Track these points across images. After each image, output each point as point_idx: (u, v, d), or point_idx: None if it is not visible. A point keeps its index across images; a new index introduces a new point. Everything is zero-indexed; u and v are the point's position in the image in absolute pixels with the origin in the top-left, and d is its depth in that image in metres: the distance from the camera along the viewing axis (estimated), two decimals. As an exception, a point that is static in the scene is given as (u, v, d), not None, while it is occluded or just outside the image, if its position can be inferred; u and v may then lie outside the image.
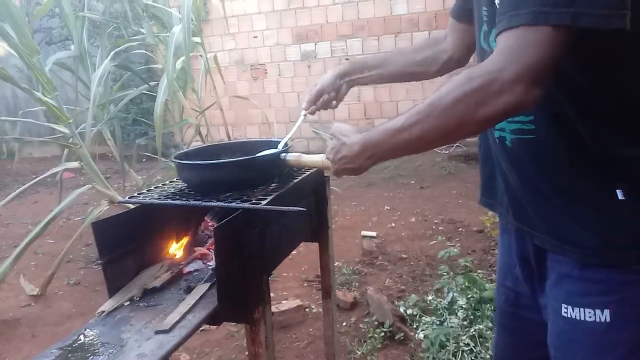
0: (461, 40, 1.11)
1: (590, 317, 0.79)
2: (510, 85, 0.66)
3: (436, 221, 3.52)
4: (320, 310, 2.37)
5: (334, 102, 1.27)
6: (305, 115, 1.30)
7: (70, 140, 2.83)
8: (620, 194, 0.76)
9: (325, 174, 1.49)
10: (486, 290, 2.23)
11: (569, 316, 0.81)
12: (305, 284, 2.75)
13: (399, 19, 5.52)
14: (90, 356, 0.85)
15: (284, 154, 1.21)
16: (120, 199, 2.89)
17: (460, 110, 0.71)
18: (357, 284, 2.66)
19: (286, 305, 2.37)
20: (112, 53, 3.05)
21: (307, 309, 2.42)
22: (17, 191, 2.60)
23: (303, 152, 1.24)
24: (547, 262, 0.86)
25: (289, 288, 2.71)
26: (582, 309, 0.80)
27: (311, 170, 1.39)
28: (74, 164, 2.86)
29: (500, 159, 0.89)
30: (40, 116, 4.78)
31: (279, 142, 1.30)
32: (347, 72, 1.26)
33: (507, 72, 0.66)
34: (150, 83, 3.58)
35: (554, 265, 0.84)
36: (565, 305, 0.82)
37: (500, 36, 0.69)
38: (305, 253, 2.92)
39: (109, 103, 3.59)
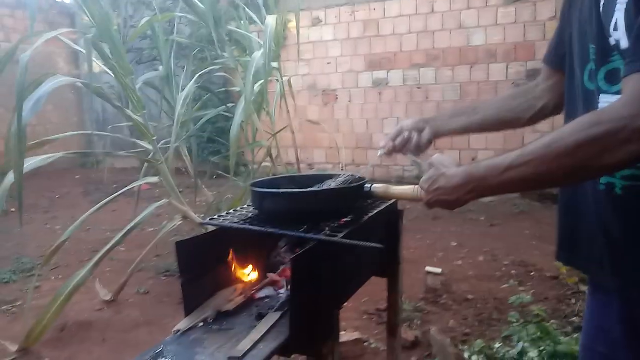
0: (558, 88, 1.05)
1: None
2: None
3: (506, 262, 3.35)
4: (380, 345, 2.31)
5: (416, 144, 1.20)
6: (381, 154, 1.26)
7: (151, 156, 2.99)
8: None
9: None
10: (561, 343, 2.07)
11: None
12: (365, 317, 2.69)
13: (475, 50, 5.43)
14: (165, 376, 0.87)
15: (368, 185, 1.20)
16: (194, 216, 3.01)
17: (582, 154, 0.68)
18: (419, 322, 2.56)
19: (345, 337, 2.32)
20: (197, 75, 3.22)
21: (365, 343, 2.36)
22: (103, 202, 2.77)
23: (372, 181, 1.24)
24: None
25: (348, 319, 2.65)
26: None
27: (386, 204, 1.36)
28: (154, 179, 3.01)
29: (600, 209, 0.82)
30: (126, 131, 5.12)
31: (350, 175, 1.29)
32: (432, 118, 1.22)
33: (639, 120, 0.63)
34: (227, 105, 3.73)
35: None
36: None
37: (631, 78, 0.65)
38: (366, 284, 2.87)
39: (190, 122, 3.78)
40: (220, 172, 4.78)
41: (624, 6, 0.69)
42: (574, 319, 2.51)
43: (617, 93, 0.74)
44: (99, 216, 4.80)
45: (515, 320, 2.42)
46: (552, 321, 2.45)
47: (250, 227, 1.09)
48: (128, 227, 2.65)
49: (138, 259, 3.04)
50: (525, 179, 0.75)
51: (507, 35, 5.25)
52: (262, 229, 1.08)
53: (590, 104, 0.82)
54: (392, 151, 1.24)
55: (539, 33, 5.07)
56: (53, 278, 3.37)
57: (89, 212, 2.63)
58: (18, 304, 2.94)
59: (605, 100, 0.77)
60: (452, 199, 0.87)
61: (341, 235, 1.05)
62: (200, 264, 1.11)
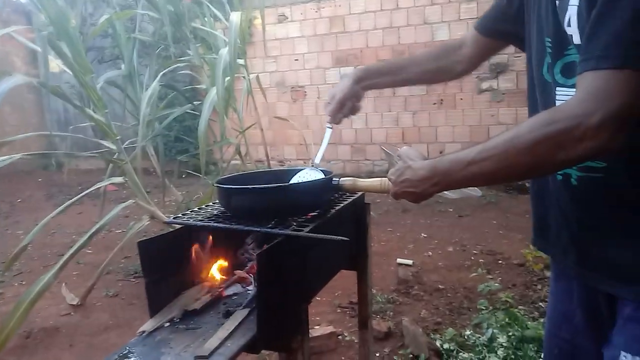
0: (479, 54, 1.15)
1: None
2: (595, 132, 0.64)
3: (475, 252, 3.42)
4: (354, 338, 2.33)
5: (355, 108, 1.28)
6: (331, 128, 1.29)
7: (116, 156, 2.92)
8: None
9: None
10: (528, 328, 2.13)
11: None
12: (339, 310, 2.70)
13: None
14: (130, 378, 0.86)
15: (336, 179, 1.21)
16: (162, 216, 2.96)
17: (539, 151, 0.70)
18: (391, 313, 2.60)
19: (319, 331, 2.33)
20: (161, 74, 3.16)
21: (339, 336, 2.37)
22: (66, 204, 2.69)
23: (341, 175, 1.25)
24: (616, 308, 0.81)
25: (322, 313, 2.67)
26: None
27: (353, 198, 1.37)
28: (119, 179, 2.95)
29: (560, 198, 0.85)
30: (89, 131, 4.98)
31: (313, 170, 1.30)
32: (362, 78, 1.25)
33: (593, 118, 0.64)
34: (194, 102, 3.68)
35: (621, 309, 0.79)
36: (625, 353, 0.76)
37: (584, 75, 0.67)
38: (338, 278, 2.86)
39: (155, 121, 3.70)
40: (189, 171, 4.72)
41: (576, 3, 0.71)
42: (540, 304, 2.59)
43: (574, 86, 0.75)
44: (63, 219, 4.69)
45: (484, 308, 2.48)
46: (520, 307, 2.52)
47: (215, 224, 1.08)
48: (93, 230, 2.58)
49: (105, 262, 2.97)
50: (487, 173, 0.77)
51: (470, 30, 5.34)
52: (227, 225, 1.07)
53: (548, 95, 0.84)
54: (340, 120, 1.28)
55: (501, 27, 5.18)
56: (16, 284, 3.26)
57: (51, 215, 2.55)
58: (-21, 312, 2.83)
59: (562, 93, 0.79)
60: (417, 191, 0.88)
61: (307, 229, 1.05)
62: (165, 263, 1.09)
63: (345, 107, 1.25)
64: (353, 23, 5.86)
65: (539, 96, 0.88)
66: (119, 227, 4.36)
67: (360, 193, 1.43)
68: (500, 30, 1.06)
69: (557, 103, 0.80)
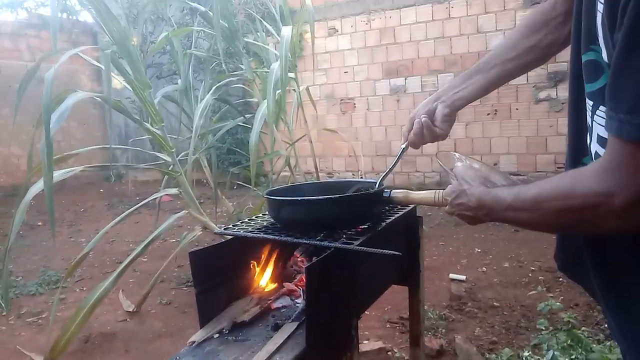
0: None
1: None
2: (619, 213, 0.58)
3: (533, 268, 3.26)
4: (404, 355, 2.26)
5: (435, 129, 1.06)
6: (403, 148, 1.17)
7: (171, 168, 3.02)
8: None
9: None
10: (593, 352, 1.99)
11: None
12: (388, 325, 2.64)
13: (494, 54, 5.34)
14: (180, 388, 0.86)
15: (387, 191, 1.18)
16: (214, 226, 3.02)
17: (564, 220, 0.66)
18: (443, 330, 2.50)
19: (368, 346, 2.28)
20: (214, 88, 3.25)
21: (389, 352, 2.31)
22: (124, 214, 2.81)
23: (392, 188, 1.21)
24: None
25: (371, 328, 2.61)
26: None
27: (405, 211, 1.34)
28: (173, 190, 3.04)
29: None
30: (147, 144, 5.21)
31: (369, 182, 1.27)
32: (443, 91, 1.08)
33: (616, 200, 0.57)
34: (246, 115, 3.76)
35: None
36: None
37: (610, 138, 0.59)
38: (388, 292, 2.80)
39: (208, 133, 3.81)
40: (240, 183, 4.81)
41: (601, 10, 0.61)
42: (606, 325, 2.42)
43: (599, 91, 0.65)
44: (122, 228, 4.91)
45: (544, 328, 2.34)
46: (583, 328, 2.37)
47: (265, 235, 1.08)
48: (148, 240, 2.67)
49: (159, 270, 3.07)
50: (523, 223, 0.75)
51: (526, 38, 5.16)
52: (276, 237, 1.07)
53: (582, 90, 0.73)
54: (413, 144, 1.11)
55: (559, 34, 4.97)
56: (78, 290, 3.42)
57: (110, 224, 2.66)
58: (44, 315, 2.99)
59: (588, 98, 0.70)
60: (471, 215, 0.86)
61: (357, 242, 1.02)
62: (215, 274, 1.10)
63: (416, 124, 1.08)
64: (404, 34, 5.82)
65: (574, 90, 0.78)
66: (174, 236, 4.50)
67: (412, 206, 1.39)
68: None
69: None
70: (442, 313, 2.68)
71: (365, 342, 2.36)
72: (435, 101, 1.08)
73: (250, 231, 1.13)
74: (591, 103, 0.68)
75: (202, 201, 5.61)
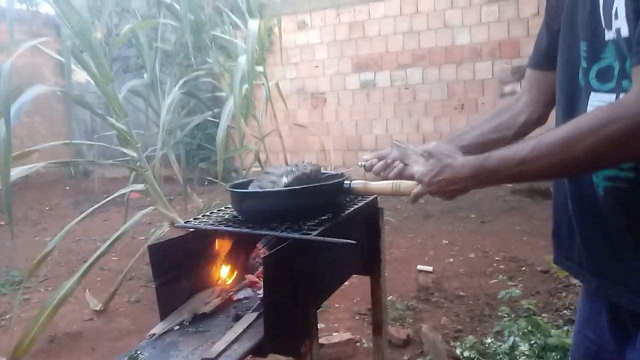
0: (544, 94, 1.02)
1: None
2: None
3: (497, 258, 3.35)
4: (371, 345, 2.31)
5: (397, 173, 1.09)
6: (360, 164, 1.17)
7: (137, 164, 2.98)
8: None
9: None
10: (551, 336, 2.07)
11: None
12: (357, 317, 2.68)
13: (461, 49, 5.45)
14: (137, 380, 0.86)
15: (348, 182, 1.20)
16: (181, 221, 3.00)
17: (599, 152, 0.69)
18: (411, 320, 2.56)
19: (337, 337, 2.31)
20: (181, 82, 3.21)
21: (357, 343, 2.35)
22: (88, 211, 2.76)
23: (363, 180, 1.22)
24: None
25: (340, 320, 2.65)
26: None
27: (365, 201, 1.36)
28: (140, 187, 3.00)
29: (581, 209, 0.84)
30: (114, 140, 5.11)
31: (332, 174, 1.29)
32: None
33: None
34: (214, 110, 3.73)
35: None
36: None
37: (638, 69, 0.66)
38: (357, 284, 2.87)
39: (176, 128, 3.77)
40: (210, 178, 4.77)
41: None
42: (565, 311, 2.51)
43: (610, 91, 0.75)
44: (89, 226, 4.81)
45: (505, 315, 2.42)
46: (543, 315, 2.45)
47: (225, 228, 1.09)
48: (114, 237, 2.63)
49: (127, 268, 3.03)
50: (537, 172, 0.76)
51: (491, 33, 5.27)
52: (235, 229, 1.08)
53: (579, 102, 0.82)
54: (371, 168, 1.14)
55: (522, 30, 5.11)
56: (42, 290, 3.35)
57: (75, 221, 2.61)
58: (7, 316, 2.92)
59: (597, 99, 0.77)
60: (456, 188, 0.87)
61: (316, 232, 1.04)
62: (176, 266, 1.10)
63: (386, 161, 1.11)
64: (373, 28, 5.86)
65: (567, 104, 0.86)
66: (142, 233, 4.43)
67: (373, 197, 1.42)
68: (556, 56, 0.94)
69: (589, 108, 0.78)
70: (409, 304, 2.74)
71: (334, 334, 2.39)
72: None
73: (211, 224, 1.14)
74: (614, 96, 0.75)
75: (172, 197, 5.54)
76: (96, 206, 2.78)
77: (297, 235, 1.00)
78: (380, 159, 1.13)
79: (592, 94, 0.78)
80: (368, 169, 1.15)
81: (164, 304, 1.07)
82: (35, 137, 7.13)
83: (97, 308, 2.91)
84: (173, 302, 1.10)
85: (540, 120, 1.06)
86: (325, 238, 1.00)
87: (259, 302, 1.12)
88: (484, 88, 5.39)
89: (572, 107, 0.84)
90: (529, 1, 5.02)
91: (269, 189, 1.20)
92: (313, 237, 1.00)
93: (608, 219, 0.79)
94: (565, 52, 0.87)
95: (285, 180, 1.18)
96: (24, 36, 6.63)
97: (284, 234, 1.02)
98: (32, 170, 2.21)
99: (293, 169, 1.21)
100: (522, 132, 1.07)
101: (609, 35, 0.74)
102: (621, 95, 0.73)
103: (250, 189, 1.19)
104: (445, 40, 5.50)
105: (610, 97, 0.75)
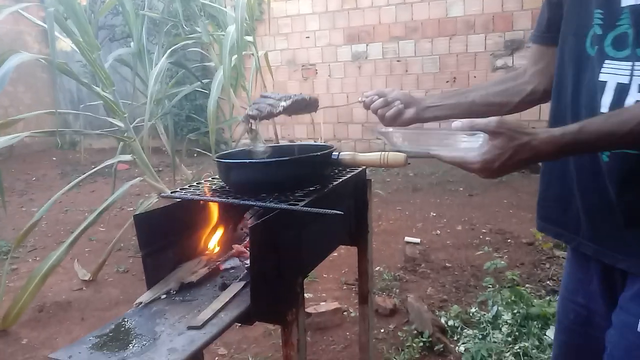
0: (549, 70, 0.98)
1: None
2: None
3: (484, 231, 3.40)
4: (358, 314, 2.35)
5: (395, 113, 1.10)
6: (360, 100, 1.16)
7: (125, 134, 2.94)
8: None
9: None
10: (534, 306, 2.13)
11: None
12: (345, 287, 2.72)
13: (454, 21, 5.38)
14: (123, 347, 0.87)
15: (336, 153, 1.20)
16: (168, 192, 2.99)
17: None
18: (397, 290, 2.61)
19: (324, 307, 2.35)
20: (169, 51, 3.15)
21: (345, 312, 2.39)
22: (75, 181, 2.74)
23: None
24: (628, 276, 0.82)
25: (328, 290, 2.69)
26: None
27: (353, 173, 1.36)
28: (128, 157, 2.97)
29: (585, 176, 0.84)
30: (101, 110, 5.02)
31: (322, 145, 1.28)
32: (421, 98, 1.14)
33: None
34: (203, 81, 3.67)
35: (636, 279, 0.81)
36: None
37: None
38: (346, 255, 2.90)
39: (164, 99, 3.71)
40: (199, 150, 4.73)
41: None
42: (548, 282, 2.58)
43: (626, 59, 0.75)
44: (77, 197, 4.78)
45: (490, 286, 2.47)
46: (527, 285, 2.51)
47: (209, 198, 1.08)
48: (102, 207, 2.62)
49: (115, 239, 3.02)
50: (624, 143, 0.74)
51: (485, 6, 5.20)
52: (222, 199, 1.08)
53: (587, 70, 0.82)
54: (369, 106, 1.14)
55: (516, 3, 5.04)
56: (30, 260, 3.34)
57: (61, 191, 2.59)
58: (-5, 287, 2.91)
59: (612, 66, 0.78)
60: (519, 167, 0.78)
61: (303, 203, 1.04)
62: (162, 236, 1.10)
63: (386, 99, 1.11)
64: (365, -1, 5.76)
65: (572, 71, 0.86)
66: (131, 205, 4.42)
67: (361, 168, 1.42)
68: (559, 28, 0.92)
69: (602, 76, 0.79)
70: (396, 274, 2.78)
71: (322, 303, 2.43)
72: (411, 101, 1.12)
73: (198, 194, 1.13)
74: (629, 64, 0.75)
75: (160, 169, 5.50)
76: (83, 177, 2.76)
77: (284, 206, 1.01)
78: (380, 97, 1.13)
79: (607, 61, 0.78)
80: (367, 105, 1.15)
81: (150, 273, 1.07)
82: (20, 107, 6.99)
83: (86, 278, 2.92)
84: (160, 271, 1.10)
85: (546, 93, 1.02)
86: (312, 209, 1.01)
87: (245, 271, 1.12)
88: (476, 61, 5.36)
89: (576, 76, 0.84)
90: (524, -27, 4.95)
91: (256, 160, 1.19)
92: (300, 208, 1.00)
93: (609, 185, 0.80)
94: (572, 21, 0.86)
95: (283, 104, 1.16)
96: (6, 2, 6.43)
97: (271, 205, 1.02)
98: (17, 140, 2.17)
99: (292, 95, 1.19)
100: (527, 100, 1.06)
101: (627, 1, 0.74)
102: (636, 64, 0.74)
103: (248, 111, 1.17)
104: (438, 12, 5.42)
105: (627, 65, 0.76)
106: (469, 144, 0.81)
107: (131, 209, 4.34)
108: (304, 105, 1.21)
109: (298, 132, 6.48)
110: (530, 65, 1.06)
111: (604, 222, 0.83)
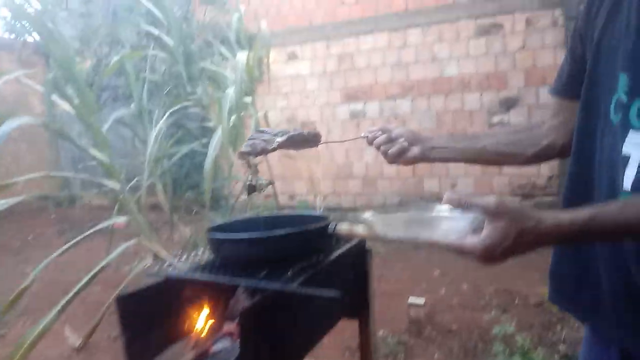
0: (568, 125, 0.92)
1: None
2: None
3: (490, 291, 3.29)
4: (361, 385, 2.22)
5: (398, 151, 1.06)
6: (364, 135, 1.14)
7: (121, 196, 2.92)
8: None
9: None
10: (547, 375, 2.01)
11: None
12: (347, 353, 2.59)
13: (449, 81, 5.50)
14: None
15: (332, 226, 1.15)
16: (164, 253, 2.92)
17: None
18: (402, 355, 2.49)
19: (324, 377, 2.23)
20: (168, 112, 3.19)
21: (347, 384, 2.26)
22: (70, 243, 2.69)
23: (351, 209, 1.18)
24: None
25: (330, 356, 2.56)
26: None
27: (352, 244, 1.31)
28: (123, 218, 2.94)
29: (603, 255, 0.79)
30: (100, 169, 5.04)
31: (318, 216, 1.24)
32: (427, 137, 1.09)
33: None
34: (202, 140, 3.70)
35: None
36: None
37: None
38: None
39: (164, 158, 3.72)
40: (198, 206, 4.70)
41: None
42: (561, 346, 2.46)
43: None
44: (74, 256, 4.65)
45: (500, 351, 2.36)
46: (539, 348, 2.39)
47: (200, 276, 1.03)
48: (94, 271, 2.55)
49: (109, 302, 2.92)
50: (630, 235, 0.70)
51: (479, 66, 5.33)
52: (212, 278, 1.02)
53: (609, 137, 0.76)
54: (372, 141, 1.11)
55: (509, 63, 5.17)
56: (21, 324, 3.22)
57: (55, 253, 2.53)
58: (-20, 356, 2.79)
59: (637, 138, 0.72)
60: (521, 253, 0.71)
61: (298, 281, 0.99)
62: (147, 318, 1.04)
63: (389, 136, 1.08)
64: (362, 60, 5.91)
65: (593, 136, 0.80)
66: (128, 264, 4.32)
67: (360, 239, 1.37)
68: (580, 82, 0.86)
69: (625, 147, 0.72)
70: (401, 338, 2.66)
71: (323, 371, 2.31)
72: (416, 139, 1.09)
73: (185, 271, 1.08)
74: None
75: (158, 227, 5.43)
76: (79, 237, 2.71)
77: (276, 286, 0.95)
78: (384, 133, 1.09)
79: (632, 131, 0.72)
80: (370, 141, 1.11)
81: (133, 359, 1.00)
82: (21, 165, 7.04)
83: (76, 345, 2.80)
84: (143, 356, 1.03)
85: (564, 148, 0.96)
86: (306, 289, 0.95)
87: (236, 355, 1.05)
88: (472, 118, 5.42)
89: (598, 143, 0.78)
90: (515, 36, 5.10)
91: (247, 236, 1.14)
92: (294, 289, 0.95)
93: (631, 266, 0.74)
94: (595, 80, 0.80)
95: (279, 139, 1.12)
96: (11, 64, 6.62)
97: (262, 285, 0.96)
98: (6, 206, 2.14)
99: (288, 130, 1.15)
100: (542, 154, 1.00)
101: None
102: None
103: (242, 148, 1.14)
104: (433, 72, 5.55)
105: None
106: (453, 222, 0.74)
107: (128, 266, 4.24)
108: (302, 141, 1.18)
109: (298, 187, 6.48)
110: (549, 117, 1.00)
111: (627, 304, 0.77)
